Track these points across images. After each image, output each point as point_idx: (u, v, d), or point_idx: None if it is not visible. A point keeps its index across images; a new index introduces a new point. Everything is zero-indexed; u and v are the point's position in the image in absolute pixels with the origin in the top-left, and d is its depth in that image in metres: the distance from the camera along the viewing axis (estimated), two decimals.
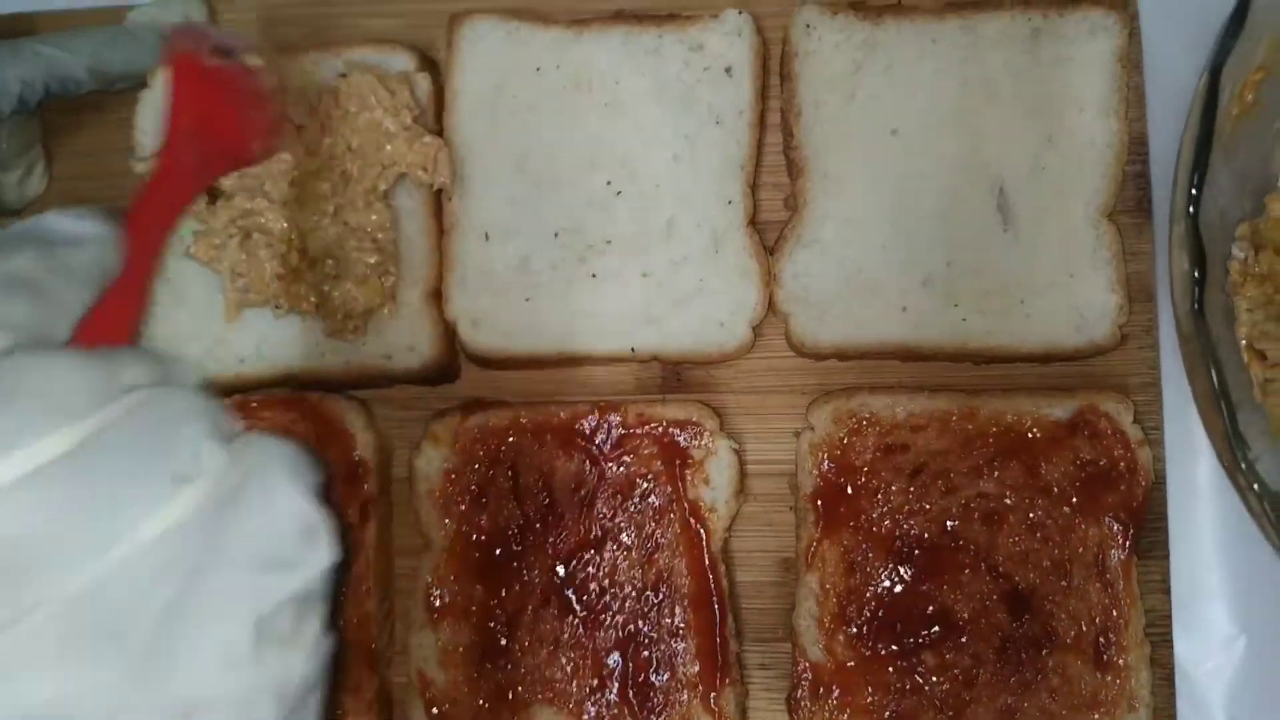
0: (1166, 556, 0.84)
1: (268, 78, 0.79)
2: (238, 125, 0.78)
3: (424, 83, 0.88)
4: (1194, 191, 0.68)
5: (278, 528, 0.54)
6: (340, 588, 0.59)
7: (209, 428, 0.54)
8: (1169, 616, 0.84)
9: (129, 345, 0.61)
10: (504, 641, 0.84)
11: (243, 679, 0.52)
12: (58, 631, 0.48)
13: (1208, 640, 0.86)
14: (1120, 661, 0.80)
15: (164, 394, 0.54)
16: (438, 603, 0.85)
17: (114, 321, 0.64)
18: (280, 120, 0.81)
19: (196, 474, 0.53)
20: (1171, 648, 0.84)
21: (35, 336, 0.56)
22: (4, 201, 0.90)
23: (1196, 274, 0.68)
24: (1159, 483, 0.84)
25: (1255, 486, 0.68)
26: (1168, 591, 0.84)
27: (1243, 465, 0.68)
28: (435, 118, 0.88)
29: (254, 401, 0.86)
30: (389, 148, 0.85)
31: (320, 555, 0.56)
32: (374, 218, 0.85)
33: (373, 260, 0.85)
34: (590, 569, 0.84)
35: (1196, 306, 0.68)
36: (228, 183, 0.85)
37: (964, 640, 0.81)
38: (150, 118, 0.88)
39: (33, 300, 0.57)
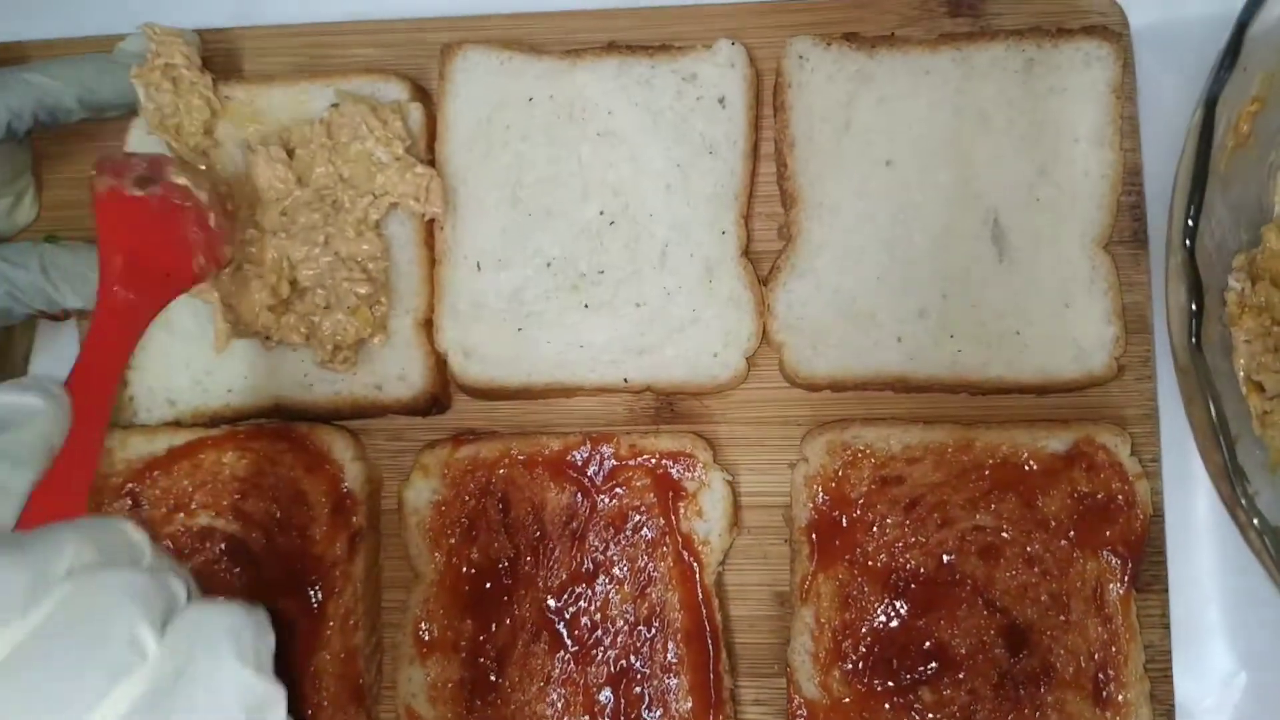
0: (1166, 591, 0.83)
1: (198, 191, 0.79)
2: (174, 248, 0.78)
3: (416, 112, 0.88)
4: (1190, 223, 0.68)
5: (224, 707, 0.54)
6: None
7: (143, 611, 0.54)
8: (1168, 652, 0.83)
9: (78, 516, 0.61)
10: (494, 677, 0.83)
11: None
12: None
13: (1208, 676, 0.85)
14: (1120, 698, 0.79)
15: (96, 582, 0.54)
16: (427, 637, 0.84)
17: (65, 495, 0.64)
18: (221, 229, 0.80)
19: (135, 664, 0.53)
20: (1171, 684, 0.82)
21: None
22: None
23: (1194, 306, 0.67)
24: (1157, 516, 0.83)
25: (1255, 522, 0.67)
26: (1167, 626, 0.83)
27: (1242, 500, 0.67)
28: (427, 147, 0.88)
29: (242, 432, 0.86)
30: (381, 177, 0.85)
31: None
32: (365, 248, 0.85)
33: (364, 290, 0.84)
34: (582, 603, 0.83)
35: (1194, 339, 0.68)
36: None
37: (961, 676, 0.80)
38: (139, 146, 0.88)
39: None
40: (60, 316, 0.87)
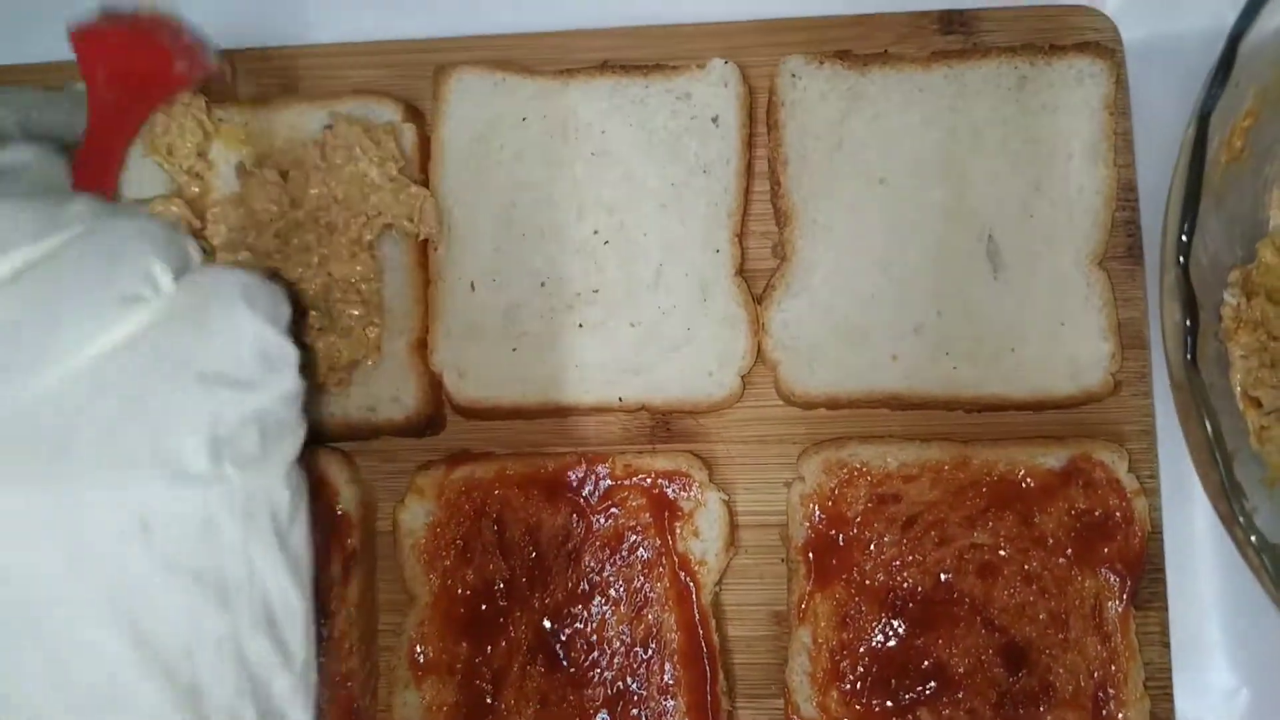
0: (1165, 608, 0.83)
1: (166, 15, 0.84)
2: (149, 57, 0.83)
3: (410, 133, 0.88)
4: (1184, 239, 0.68)
5: (232, 349, 0.55)
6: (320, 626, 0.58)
7: (159, 250, 0.55)
8: (1169, 669, 0.82)
9: None
10: (490, 699, 0.82)
11: (199, 494, 0.51)
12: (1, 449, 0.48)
13: (1209, 693, 0.84)
14: (1120, 716, 0.79)
15: (113, 221, 0.56)
16: (422, 659, 0.83)
17: None
18: (202, 44, 0.85)
19: (148, 295, 0.53)
20: (1172, 701, 0.82)
21: None
22: None
23: (1188, 322, 0.67)
24: (1155, 533, 0.83)
25: (1253, 539, 0.67)
26: (1167, 644, 0.82)
27: (1240, 518, 0.67)
28: (421, 168, 0.88)
29: None
30: (374, 198, 0.85)
31: (281, 379, 0.56)
32: (359, 269, 0.85)
33: (357, 312, 0.84)
34: (577, 624, 0.82)
35: (1189, 355, 0.67)
36: (217, 239, 0.85)
37: (960, 695, 0.80)
38: (133, 168, 0.87)
39: None
40: None
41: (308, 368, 0.60)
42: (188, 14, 0.85)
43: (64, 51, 0.88)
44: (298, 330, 0.64)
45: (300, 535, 0.57)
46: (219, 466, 0.52)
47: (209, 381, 0.53)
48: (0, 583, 0.48)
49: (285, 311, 0.59)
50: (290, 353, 0.57)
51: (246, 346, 0.55)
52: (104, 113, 0.81)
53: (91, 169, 0.77)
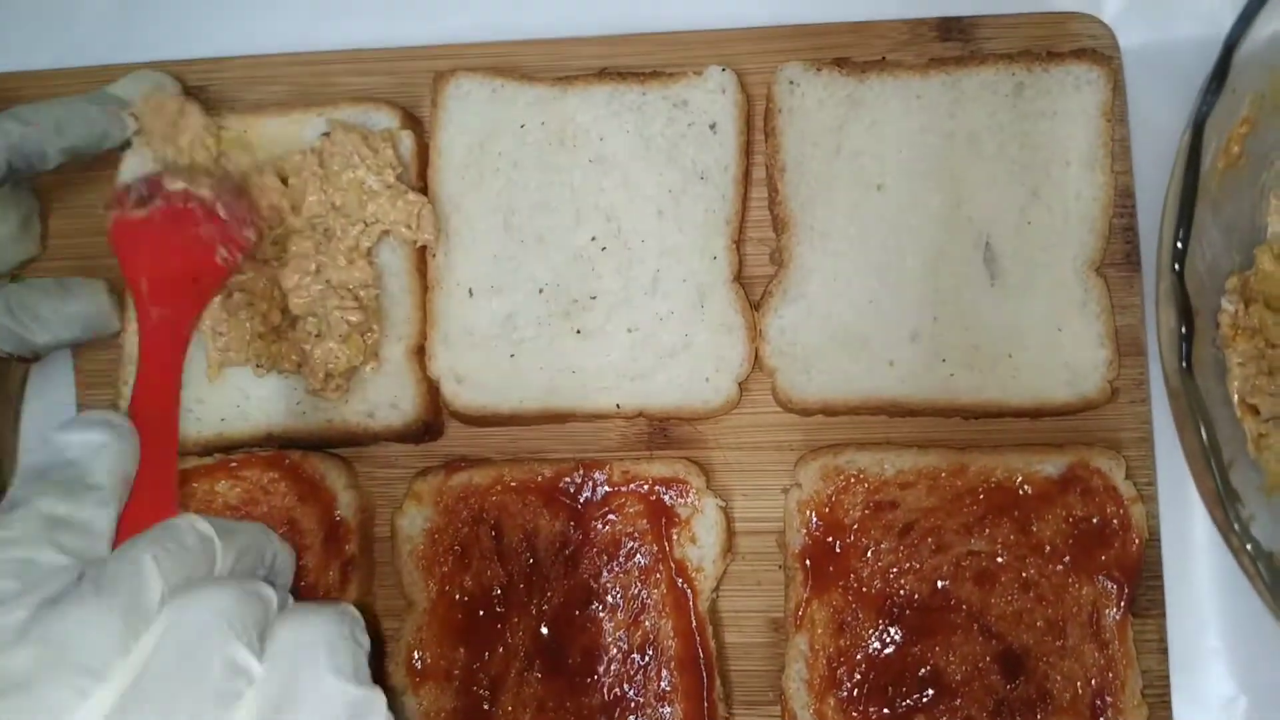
0: (1163, 615, 0.83)
1: (198, 190, 0.79)
2: (191, 252, 0.78)
3: (407, 140, 0.88)
4: (1179, 246, 0.67)
5: (329, 716, 0.57)
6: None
7: (239, 633, 0.57)
8: (1167, 677, 0.82)
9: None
10: (487, 705, 0.82)
11: None
12: None
13: (1207, 701, 0.84)
14: None
15: (189, 615, 0.57)
16: (420, 665, 0.83)
17: (150, 521, 0.64)
18: (236, 216, 0.81)
19: (242, 689, 0.56)
20: (1170, 709, 0.82)
21: (86, 561, 0.60)
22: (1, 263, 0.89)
23: (1184, 329, 0.67)
24: (1153, 540, 0.82)
25: (1249, 547, 0.66)
26: (1165, 651, 0.82)
27: (1235, 525, 0.66)
28: (419, 175, 0.88)
29: (234, 461, 0.85)
30: (372, 205, 0.85)
31: None
32: (357, 275, 0.85)
33: (355, 318, 0.84)
34: (575, 631, 0.82)
35: (1184, 363, 0.67)
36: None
37: (957, 703, 0.79)
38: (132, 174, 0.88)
39: (70, 534, 0.61)
40: (30, 358, 0.86)
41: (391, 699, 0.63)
42: (179, 22, 0.83)
43: (112, 55, 0.90)
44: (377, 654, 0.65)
45: None
46: None
47: None
48: None
49: (366, 647, 0.62)
50: (378, 700, 0.60)
51: (341, 710, 0.58)
52: (154, 341, 0.75)
53: (148, 425, 0.70)
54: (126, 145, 0.87)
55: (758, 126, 0.88)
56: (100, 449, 0.65)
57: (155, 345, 0.74)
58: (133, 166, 0.88)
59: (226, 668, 0.56)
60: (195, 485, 0.85)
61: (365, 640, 0.62)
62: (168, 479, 0.70)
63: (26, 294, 0.84)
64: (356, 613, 0.62)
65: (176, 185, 0.78)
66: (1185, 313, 0.67)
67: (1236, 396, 0.79)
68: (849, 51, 0.88)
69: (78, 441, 0.66)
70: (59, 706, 0.52)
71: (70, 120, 0.84)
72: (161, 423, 0.71)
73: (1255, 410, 0.78)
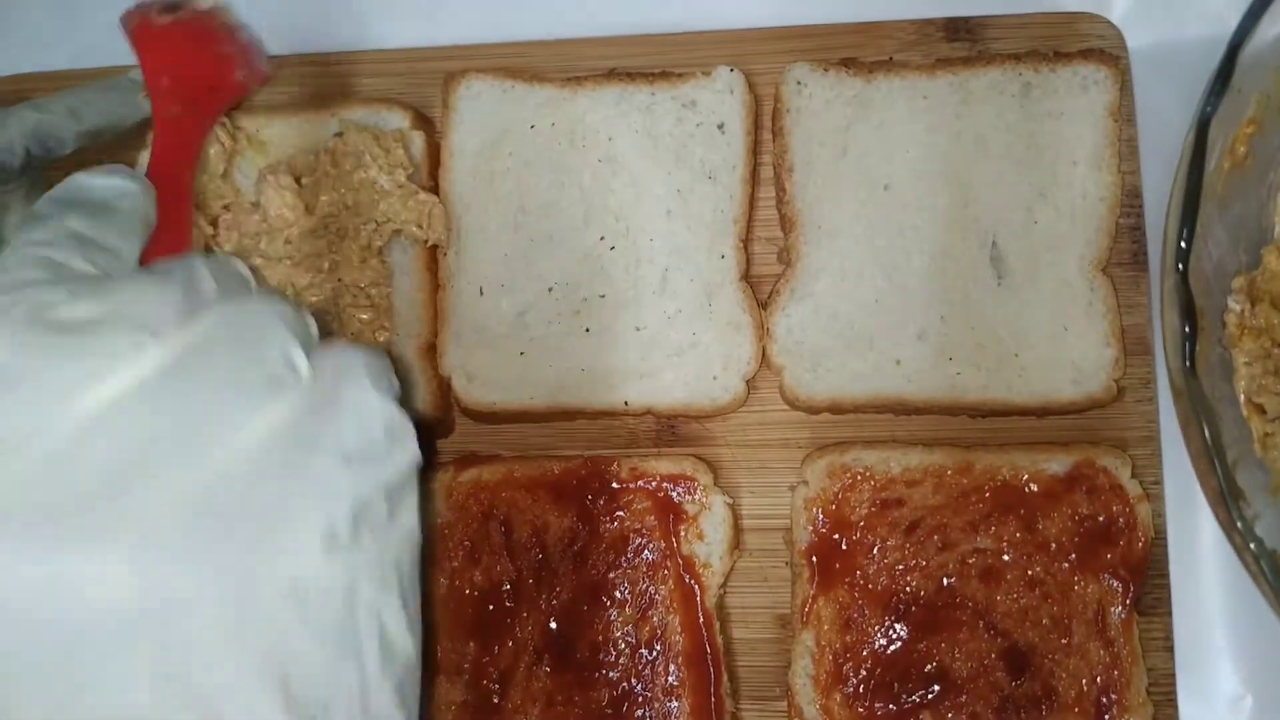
0: (1169, 614, 0.83)
1: (220, 13, 0.81)
2: (213, 64, 0.81)
3: (418, 140, 0.89)
4: (1183, 246, 0.68)
5: (366, 427, 0.59)
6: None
7: (294, 335, 0.59)
8: (1172, 675, 0.82)
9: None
10: (496, 699, 0.83)
11: (345, 561, 0.56)
12: (179, 525, 0.52)
13: (1213, 700, 0.84)
14: None
15: (248, 306, 0.59)
16: (430, 659, 0.84)
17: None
18: (256, 49, 0.84)
19: (291, 379, 0.57)
20: (1176, 708, 0.82)
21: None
22: None
23: (1187, 329, 0.67)
24: (1159, 539, 0.83)
25: (1252, 546, 0.67)
26: (1171, 650, 0.82)
27: (1239, 524, 0.67)
28: (430, 175, 0.89)
29: None
30: (383, 205, 0.86)
31: (405, 450, 0.61)
32: (369, 274, 0.86)
33: (366, 316, 0.85)
34: (583, 626, 0.83)
35: (1188, 362, 0.67)
36: (228, 246, 0.86)
37: (962, 699, 0.80)
38: None
39: (97, 252, 0.62)
40: (49, 161, 0.84)
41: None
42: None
43: (125, 57, 0.90)
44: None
45: (416, 593, 0.62)
46: (359, 536, 0.56)
47: (351, 460, 0.57)
48: (160, 649, 0.51)
49: (398, 384, 0.64)
50: (409, 426, 0.62)
51: (377, 424, 0.60)
52: (170, 130, 0.79)
53: (163, 193, 0.72)
54: (144, 125, 0.87)
55: (765, 126, 0.89)
56: (124, 194, 0.67)
57: (168, 137, 0.78)
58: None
59: (282, 357, 0.57)
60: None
61: (397, 382, 0.64)
62: (183, 241, 0.74)
63: (52, 97, 0.84)
64: (387, 355, 0.65)
65: (205, 4, 0.80)
66: (1189, 312, 0.68)
67: (1243, 396, 0.79)
68: (856, 52, 0.88)
69: (101, 185, 0.67)
70: (115, 353, 0.53)
71: (85, 105, 0.84)
72: (176, 198, 0.74)
73: (1262, 410, 0.78)
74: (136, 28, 0.79)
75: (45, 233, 0.61)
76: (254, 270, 0.66)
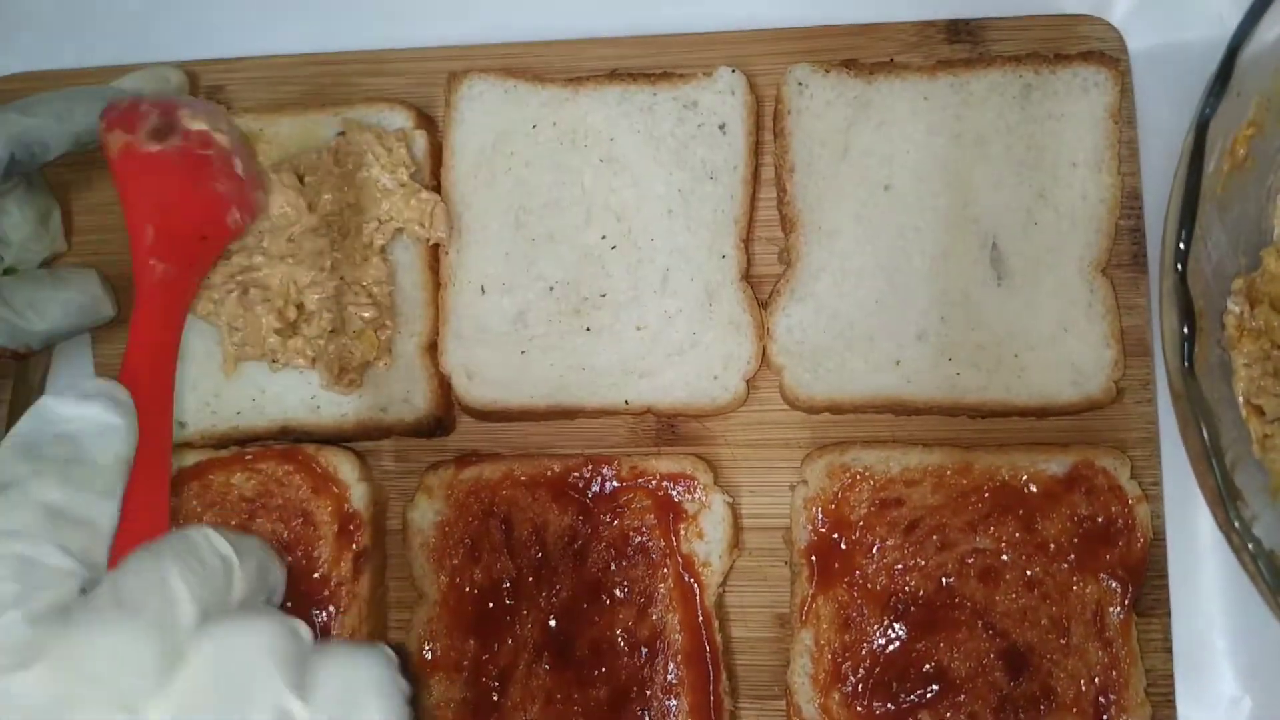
0: (1168, 615, 0.83)
1: (219, 135, 0.72)
2: (204, 205, 0.72)
3: (421, 140, 0.89)
4: (1181, 247, 0.68)
5: None
6: None
7: (283, 674, 0.54)
8: (1171, 676, 0.82)
9: (169, 531, 0.59)
10: (496, 696, 0.84)
11: None
12: None
13: (1212, 701, 0.84)
14: None
15: (232, 643, 0.54)
16: (430, 656, 0.84)
17: (147, 510, 0.61)
18: (250, 175, 0.76)
19: None
20: (1174, 708, 0.82)
21: (88, 564, 0.55)
22: (25, 260, 0.90)
23: (1185, 330, 0.67)
24: (1158, 539, 0.83)
25: (1250, 546, 0.67)
26: (1169, 650, 0.82)
27: (1236, 524, 0.67)
28: (432, 174, 0.90)
29: (249, 453, 0.87)
30: (386, 204, 0.86)
31: None
32: (371, 272, 0.87)
33: (368, 314, 0.86)
34: (583, 624, 0.84)
35: (1187, 363, 0.68)
36: (234, 244, 0.86)
37: (961, 699, 0.80)
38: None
39: (72, 530, 0.56)
40: (25, 354, 0.81)
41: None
42: (197, 23, 0.81)
43: (126, 55, 0.88)
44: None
45: None
46: None
47: None
48: None
49: (408, 695, 0.60)
50: None
51: None
52: (154, 300, 0.67)
53: (143, 399, 0.63)
54: None
55: (767, 127, 0.89)
56: (103, 430, 0.60)
57: (154, 304, 0.67)
58: None
59: (274, 713, 0.52)
60: (212, 477, 0.86)
61: (405, 684, 0.59)
62: (163, 465, 0.64)
63: (19, 285, 0.82)
64: (394, 655, 0.60)
65: (197, 125, 0.71)
66: (1187, 313, 0.68)
67: (1242, 398, 0.79)
68: (858, 53, 0.89)
69: (77, 416, 0.60)
70: None
71: (72, 109, 0.80)
72: (158, 395, 0.64)
73: (1260, 411, 0.78)
74: (121, 153, 0.69)
75: (16, 514, 0.55)
76: (230, 538, 0.61)
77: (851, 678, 0.81)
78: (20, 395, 0.91)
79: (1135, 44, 0.88)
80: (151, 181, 0.69)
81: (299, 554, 0.85)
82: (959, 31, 0.89)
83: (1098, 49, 0.86)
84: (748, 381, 0.86)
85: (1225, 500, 0.68)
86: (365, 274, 0.87)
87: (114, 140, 0.70)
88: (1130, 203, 0.85)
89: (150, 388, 0.64)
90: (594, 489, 0.85)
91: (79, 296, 0.85)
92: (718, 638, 0.83)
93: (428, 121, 0.91)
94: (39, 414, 0.60)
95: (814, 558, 0.83)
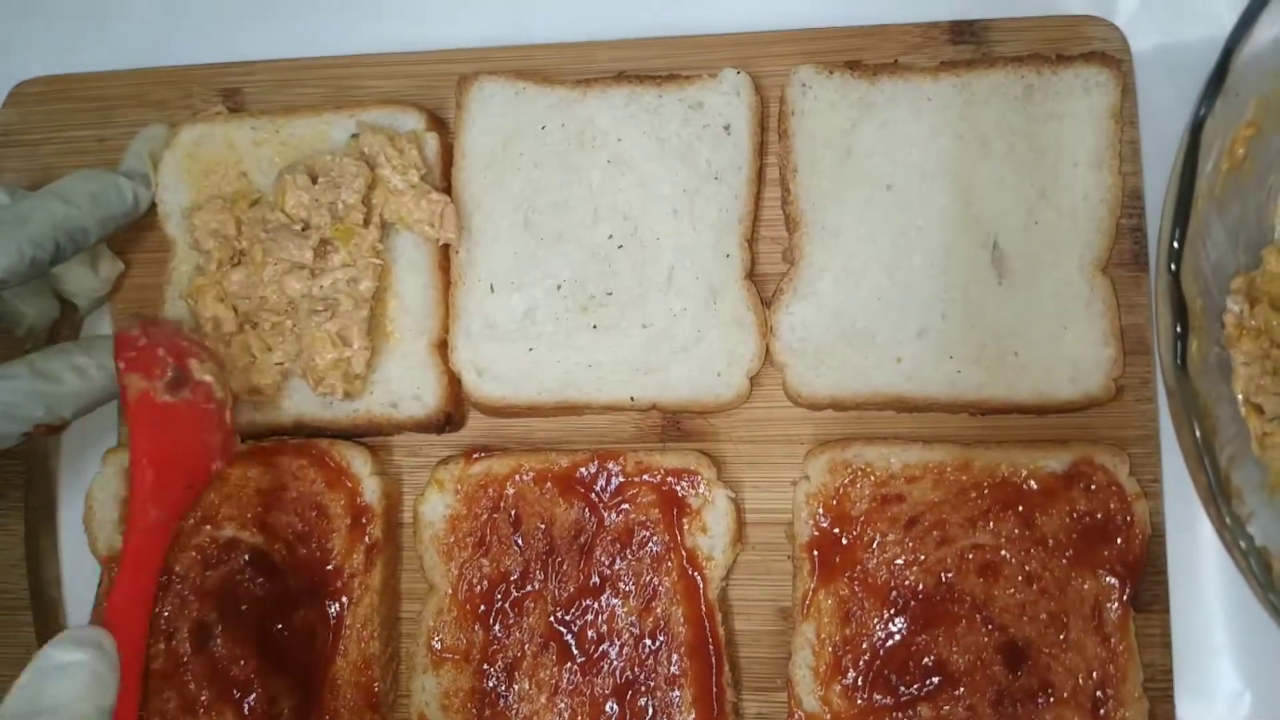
0: (1167, 610, 0.84)
1: (218, 390, 0.80)
2: (196, 457, 0.79)
3: (432, 141, 0.91)
4: (1175, 246, 0.69)
5: None
6: None
7: None
8: (1170, 671, 0.83)
9: None
10: (503, 687, 0.85)
11: None
12: None
13: (1211, 696, 0.85)
14: (1118, 716, 0.80)
15: None
16: (439, 647, 0.86)
17: None
18: (231, 424, 0.82)
19: None
20: (1173, 703, 0.83)
21: None
22: (78, 304, 0.94)
23: (1179, 329, 0.68)
24: (1158, 536, 0.83)
25: (1241, 543, 0.68)
26: (1169, 646, 0.83)
27: (1228, 521, 0.68)
28: (443, 175, 0.91)
29: (265, 448, 0.89)
30: (395, 204, 0.88)
31: None
32: (380, 270, 0.89)
33: (333, 327, 0.87)
34: (589, 616, 0.85)
35: (1180, 361, 0.68)
36: (246, 242, 0.89)
37: (960, 692, 0.81)
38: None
39: None
40: (60, 426, 0.82)
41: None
42: (215, 27, 0.84)
43: (150, 58, 0.91)
44: None
45: None
46: None
47: None
48: None
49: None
50: None
51: None
52: (142, 545, 0.74)
53: (126, 618, 0.70)
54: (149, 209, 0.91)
55: (771, 128, 0.90)
56: (91, 683, 0.66)
57: (142, 548, 0.74)
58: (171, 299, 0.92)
59: None
60: (229, 471, 0.88)
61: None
62: (133, 697, 0.70)
63: (46, 358, 0.81)
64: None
65: (205, 377, 0.78)
66: (1180, 312, 0.69)
67: (1241, 396, 0.79)
68: (861, 54, 0.89)
69: (61, 689, 0.65)
70: None
71: (104, 192, 0.85)
72: (134, 638, 0.71)
73: (1260, 409, 0.79)
74: (138, 399, 0.75)
75: None
76: None
77: (852, 670, 0.82)
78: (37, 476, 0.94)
79: (1139, 44, 0.88)
80: (162, 430, 0.76)
81: (313, 546, 0.87)
82: (963, 32, 0.90)
83: (1100, 50, 0.87)
84: (751, 378, 0.87)
85: (1217, 497, 0.68)
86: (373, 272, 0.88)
87: (132, 385, 0.76)
88: (1132, 202, 0.86)
89: (130, 632, 0.71)
90: (600, 484, 0.87)
91: (109, 361, 0.82)
92: (720, 630, 0.85)
93: (439, 123, 0.93)
94: (25, 692, 0.65)
95: (816, 552, 0.84)
